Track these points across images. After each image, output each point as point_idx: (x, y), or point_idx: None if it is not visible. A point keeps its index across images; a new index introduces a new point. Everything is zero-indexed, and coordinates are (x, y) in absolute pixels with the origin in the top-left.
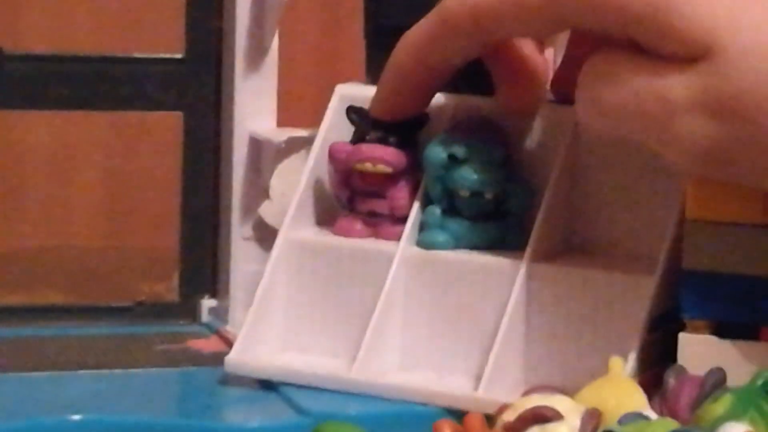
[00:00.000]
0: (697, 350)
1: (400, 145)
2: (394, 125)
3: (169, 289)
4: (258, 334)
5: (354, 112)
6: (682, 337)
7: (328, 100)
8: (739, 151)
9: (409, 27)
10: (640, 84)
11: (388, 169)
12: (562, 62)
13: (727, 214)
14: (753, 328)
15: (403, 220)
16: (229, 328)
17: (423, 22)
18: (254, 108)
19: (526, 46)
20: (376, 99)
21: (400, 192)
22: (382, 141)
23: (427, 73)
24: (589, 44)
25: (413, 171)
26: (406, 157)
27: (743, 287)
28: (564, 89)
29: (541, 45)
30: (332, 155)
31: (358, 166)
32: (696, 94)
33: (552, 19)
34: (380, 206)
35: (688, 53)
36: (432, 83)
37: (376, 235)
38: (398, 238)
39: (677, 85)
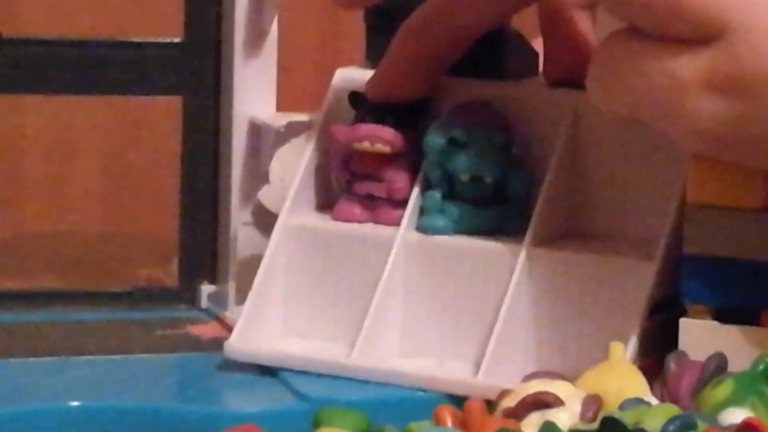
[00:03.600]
0: (698, 335)
1: (398, 127)
2: (394, 109)
3: (168, 275)
4: (257, 319)
5: (356, 97)
6: (683, 322)
7: (328, 84)
8: (748, 131)
9: (408, 10)
10: (651, 65)
11: (386, 149)
12: (545, 54)
13: (728, 198)
14: (754, 313)
15: (402, 203)
16: (228, 314)
17: None
18: (254, 92)
19: (581, 22)
20: (377, 78)
21: (398, 175)
22: (381, 122)
23: (435, 51)
24: (563, 35)
25: (412, 154)
26: (404, 139)
27: (744, 272)
28: (555, 78)
29: (593, 15)
30: (332, 137)
31: (357, 146)
32: (706, 74)
33: None
34: (378, 189)
35: (698, 35)
36: (437, 65)
37: (375, 218)
38: (396, 221)
39: (687, 65)
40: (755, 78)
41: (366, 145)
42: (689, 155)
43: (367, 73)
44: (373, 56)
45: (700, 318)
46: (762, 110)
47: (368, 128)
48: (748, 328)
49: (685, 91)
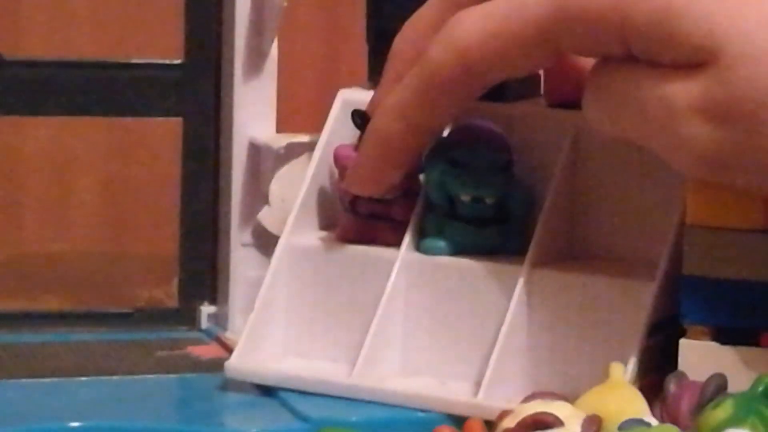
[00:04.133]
0: (698, 356)
1: None
2: None
3: (168, 296)
4: (259, 338)
5: (358, 116)
6: (683, 343)
7: (328, 105)
8: (740, 156)
9: None
10: (645, 89)
11: None
12: (546, 75)
13: (727, 219)
14: (753, 334)
15: (403, 224)
16: (228, 335)
17: (407, 81)
18: (253, 114)
19: None
20: (360, 175)
21: (400, 196)
22: None
23: (418, 137)
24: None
25: (413, 175)
26: None
27: (743, 293)
28: (556, 99)
29: None
30: (336, 158)
31: None
32: (698, 99)
33: (547, 50)
34: (380, 209)
35: (691, 61)
36: (421, 148)
37: (377, 238)
38: (398, 241)
39: (681, 91)
40: (747, 104)
41: None
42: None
43: (369, 94)
44: (375, 76)
45: (700, 339)
46: (755, 136)
47: None
48: (747, 348)
49: (679, 117)
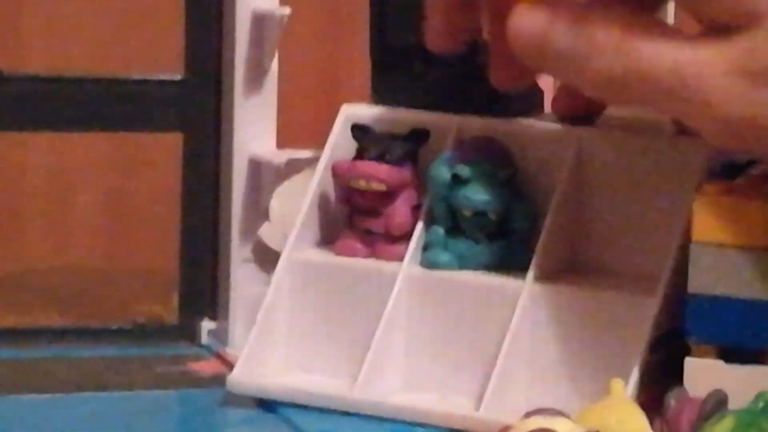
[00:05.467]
0: (703, 375)
1: (398, 163)
2: (395, 141)
3: (168, 311)
4: (260, 353)
5: (358, 129)
6: (688, 361)
7: (328, 121)
8: None
9: (416, 46)
10: (675, 52)
11: (382, 187)
12: (557, 88)
13: (733, 237)
14: (759, 353)
15: (400, 238)
16: (228, 350)
17: None
18: (254, 129)
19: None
20: (431, 29)
21: (396, 210)
22: (380, 158)
23: None
24: None
25: (412, 189)
26: (402, 175)
27: (749, 311)
28: (564, 110)
29: None
30: (333, 172)
31: (353, 183)
32: (737, 62)
33: None
34: (376, 224)
35: (734, 19)
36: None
37: (374, 253)
38: (395, 256)
39: (717, 53)
40: None
41: (362, 183)
42: (693, 194)
43: (372, 110)
44: (379, 92)
45: (705, 357)
46: None
47: (365, 166)
48: (753, 367)
49: (711, 78)
